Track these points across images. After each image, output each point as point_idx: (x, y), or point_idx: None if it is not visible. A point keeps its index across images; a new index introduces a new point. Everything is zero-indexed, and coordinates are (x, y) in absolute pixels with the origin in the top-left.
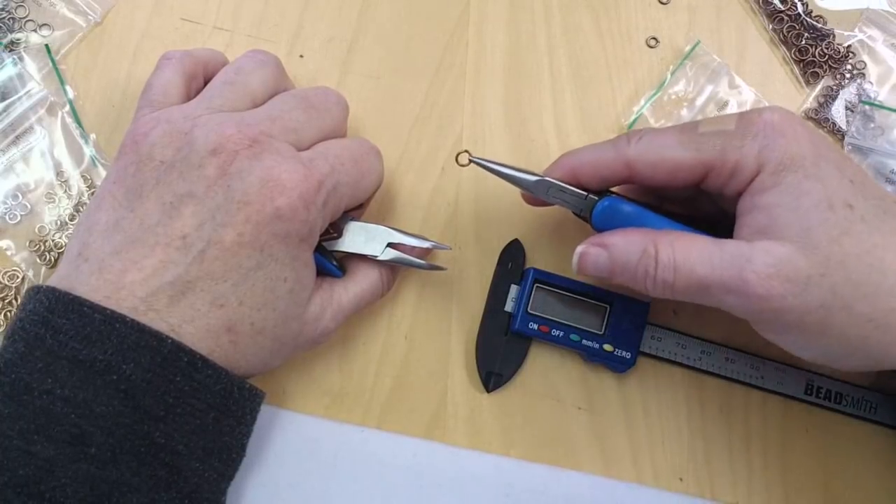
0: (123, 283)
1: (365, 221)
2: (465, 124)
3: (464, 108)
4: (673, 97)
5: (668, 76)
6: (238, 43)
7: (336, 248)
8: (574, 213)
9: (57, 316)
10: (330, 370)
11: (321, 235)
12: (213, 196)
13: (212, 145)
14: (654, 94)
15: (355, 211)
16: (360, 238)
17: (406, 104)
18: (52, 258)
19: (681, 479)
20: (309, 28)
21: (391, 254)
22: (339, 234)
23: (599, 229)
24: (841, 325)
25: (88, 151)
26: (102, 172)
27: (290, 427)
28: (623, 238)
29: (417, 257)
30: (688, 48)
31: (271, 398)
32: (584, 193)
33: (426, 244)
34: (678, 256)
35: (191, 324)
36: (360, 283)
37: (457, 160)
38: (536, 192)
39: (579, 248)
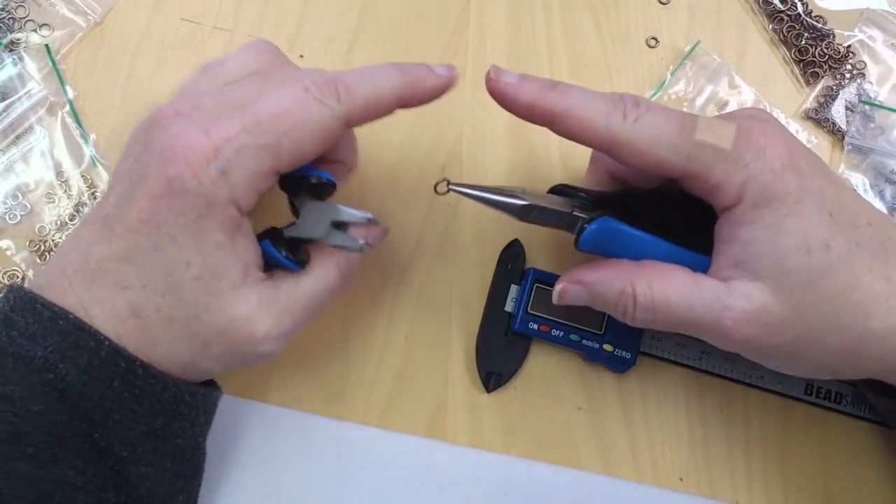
0: (63, 265)
1: (326, 201)
2: (465, 124)
3: (464, 108)
4: (673, 97)
5: (668, 76)
6: (238, 43)
7: (295, 235)
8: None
9: (15, 313)
10: (330, 370)
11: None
12: (130, 174)
13: (141, 129)
14: (654, 94)
15: (330, 193)
16: (312, 221)
17: None
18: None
19: (681, 479)
20: (309, 28)
21: (335, 237)
22: (298, 218)
23: (583, 251)
24: (813, 353)
25: (88, 151)
26: (102, 172)
27: (290, 426)
28: (600, 276)
29: (363, 237)
30: (688, 48)
31: (271, 398)
32: (569, 212)
33: (364, 216)
34: (656, 297)
35: (99, 305)
36: (315, 278)
37: (435, 189)
38: (520, 217)
39: (558, 287)
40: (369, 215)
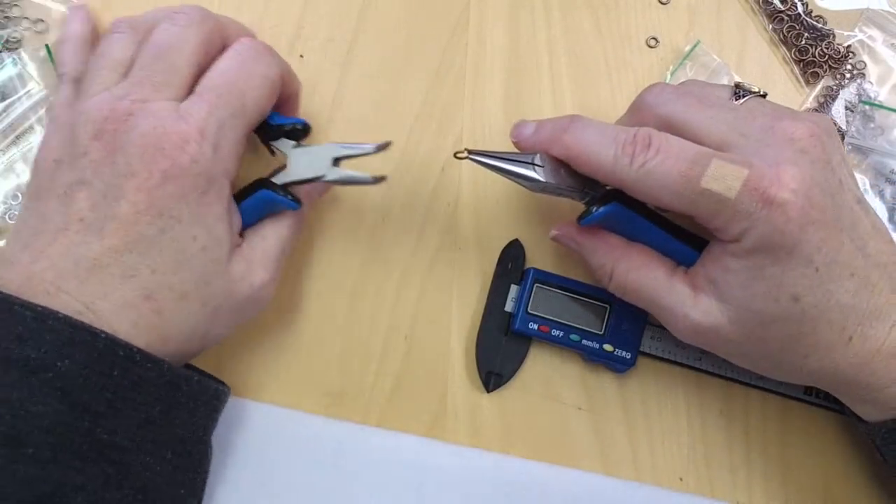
0: (33, 272)
1: (308, 145)
2: (465, 124)
3: (464, 108)
4: None
5: (669, 76)
6: None
7: (284, 181)
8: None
9: None
10: (330, 370)
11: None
12: (101, 176)
13: (91, 132)
14: None
15: (307, 135)
16: (305, 164)
17: (406, 104)
18: None
19: (681, 479)
20: (309, 28)
21: (338, 172)
22: (285, 165)
23: (584, 226)
24: (749, 365)
25: None
26: None
27: (289, 426)
28: (592, 244)
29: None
30: (687, 48)
31: (271, 398)
32: (581, 189)
33: (368, 148)
34: (629, 283)
35: (105, 299)
36: (275, 220)
37: (455, 155)
38: (534, 190)
39: (556, 231)
40: (375, 144)
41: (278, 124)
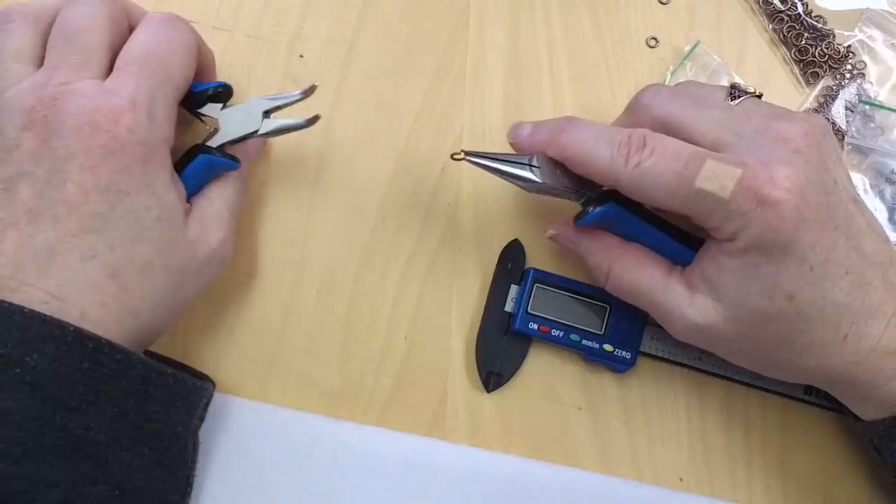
0: None
1: (234, 104)
2: (465, 124)
3: (464, 108)
4: None
5: (669, 76)
6: (238, 43)
7: (219, 143)
8: None
9: None
10: (330, 370)
11: (200, 137)
12: (41, 163)
13: (19, 123)
14: None
15: (230, 96)
16: (236, 122)
17: (406, 104)
18: None
19: (681, 479)
20: (309, 28)
21: (270, 124)
22: (216, 128)
23: (580, 226)
24: (745, 364)
25: None
26: None
27: (289, 425)
28: (589, 245)
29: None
30: (687, 48)
31: (271, 398)
32: (577, 189)
33: (296, 95)
34: (625, 283)
35: (69, 284)
36: (218, 183)
37: (452, 156)
38: (531, 191)
39: (554, 231)
40: (304, 88)
41: (201, 90)
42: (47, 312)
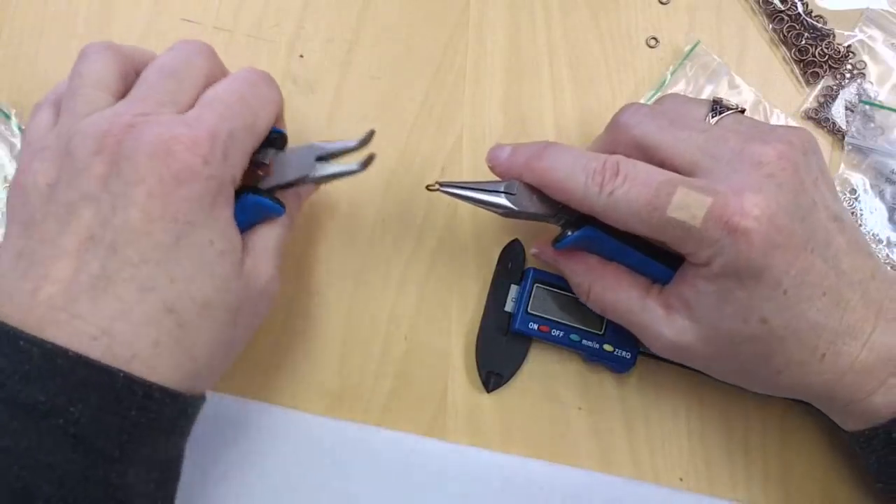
0: (38, 301)
1: (287, 149)
2: (465, 124)
3: (464, 108)
4: None
5: (668, 76)
6: (238, 43)
7: (270, 186)
8: None
9: None
10: (330, 370)
11: (251, 179)
12: (108, 187)
13: (91, 148)
14: (654, 94)
15: (285, 143)
16: (288, 167)
17: (406, 104)
18: None
19: (681, 479)
20: (309, 28)
21: (323, 169)
22: (268, 172)
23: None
24: (725, 379)
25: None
26: None
27: (289, 425)
28: (570, 264)
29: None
30: (687, 48)
31: (271, 397)
32: (553, 214)
33: (351, 143)
34: (605, 301)
35: (122, 319)
36: (266, 222)
37: (427, 187)
38: (507, 216)
39: (537, 249)
40: (358, 138)
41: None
42: (96, 352)
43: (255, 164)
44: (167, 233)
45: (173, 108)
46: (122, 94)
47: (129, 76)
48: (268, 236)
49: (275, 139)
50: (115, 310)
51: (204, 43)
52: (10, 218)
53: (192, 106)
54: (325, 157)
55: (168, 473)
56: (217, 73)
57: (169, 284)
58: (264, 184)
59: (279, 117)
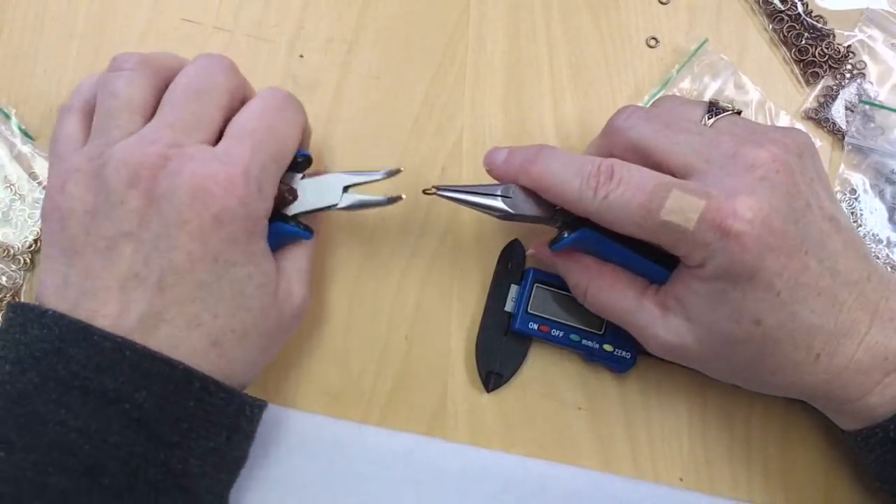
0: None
1: (314, 175)
2: (465, 124)
3: (464, 108)
4: (677, 94)
5: (674, 73)
6: (238, 43)
7: (296, 212)
8: None
9: (68, 345)
10: (330, 370)
11: (278, 204)
12: (148, 226)
13: (126, 179)
14: (659, 91)
15: (309, 166)
16: (314, 193)
17: (406, 104)
18: None
19: (681, 479)
20: (309, 28)
21: (350, 198)
22: (295, 197)
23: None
24: (721, 378)
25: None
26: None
27: (289, 424)
28: (566, 265)
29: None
30: (694, 47)
31: (270, 397)
32: (550, 217)
33: (377, 175)
34: (601, 301)
35: (174, 351)
36: (296, 242)
37: (424, 191)
38: (504, 219)
39: (533, 250)
40: (384, 170)
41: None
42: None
43: (282, 189)
44: (209, 272)
45: (200, 134)
46: (154, 109)
47: (161, 91)
48: (299, 258)
49: (299, 163)
50: (164, 345)
51: (225, 58)
52: (49, 240)
53: (219, 127)
54: (349, 187)
55: (234, 476)
56: (240, 89)
57: (213, 320)
58: (291, 209)
59: (306, 138)
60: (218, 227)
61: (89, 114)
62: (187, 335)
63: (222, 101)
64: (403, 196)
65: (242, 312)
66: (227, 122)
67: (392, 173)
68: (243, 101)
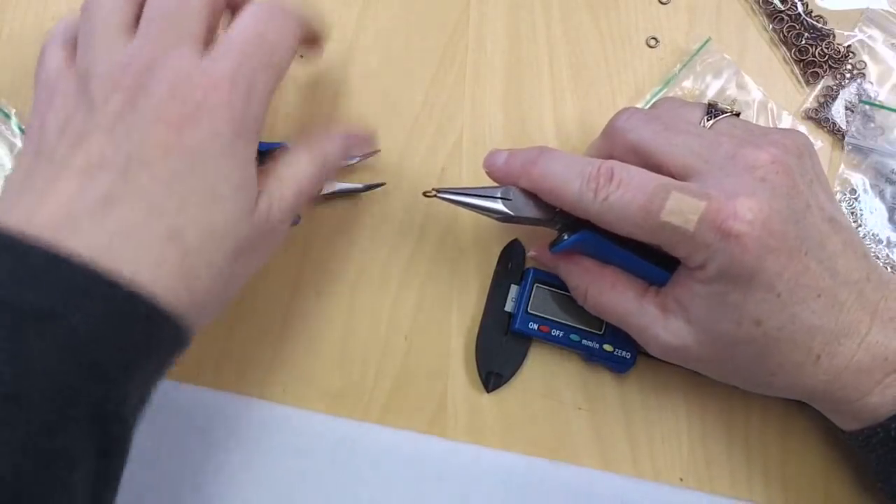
0: (39, 212)
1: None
2: (465, 124)
3: (464, 108)
4: (679, 94)
5: (677, 72)
6: None
7: None
8: None
9: None
10: (330, 370)
11: None
12: (122, 119)
13: (108, 85)
14: (661, 90)
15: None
16: None
17: (406, 104)
18: None
19: (681, 479)
20: None
21: (329, 186)
22: None
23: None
24: (722, 379)
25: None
26: None
27: (289, 424)
28: (567, 267)
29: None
30: (696, 46)
31: (270, 396)
32: (550, 218)
33: (359, 185)
34: (601, 303)
35: (125, 237)
36: (292, 163)
37: (424, 194)
38: (504, 222)
39: (534, 252)
40: (366, 184)
41: (262, 150)
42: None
43: None
44: (182, 161)
45: (186, 43)
46: (136, 20)
47: (140, 6)
48: (288, 181)
49: (276, 152)
50: (118, 228)
51: None
52: (25, 150)
53: (204, 36)
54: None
55: (143, 410)
56: None
57: (177, 211)
58: None
59: (319, 44)
60: (198, 120)
61: (72, 42)
62: (144, 222)
63: (204, 9)
64: (384, 182)
65: (214, 211)
66: (214, 27)
67: (371, 187)
68: (233, 6)
